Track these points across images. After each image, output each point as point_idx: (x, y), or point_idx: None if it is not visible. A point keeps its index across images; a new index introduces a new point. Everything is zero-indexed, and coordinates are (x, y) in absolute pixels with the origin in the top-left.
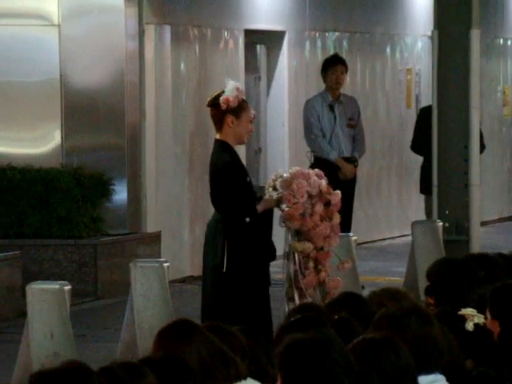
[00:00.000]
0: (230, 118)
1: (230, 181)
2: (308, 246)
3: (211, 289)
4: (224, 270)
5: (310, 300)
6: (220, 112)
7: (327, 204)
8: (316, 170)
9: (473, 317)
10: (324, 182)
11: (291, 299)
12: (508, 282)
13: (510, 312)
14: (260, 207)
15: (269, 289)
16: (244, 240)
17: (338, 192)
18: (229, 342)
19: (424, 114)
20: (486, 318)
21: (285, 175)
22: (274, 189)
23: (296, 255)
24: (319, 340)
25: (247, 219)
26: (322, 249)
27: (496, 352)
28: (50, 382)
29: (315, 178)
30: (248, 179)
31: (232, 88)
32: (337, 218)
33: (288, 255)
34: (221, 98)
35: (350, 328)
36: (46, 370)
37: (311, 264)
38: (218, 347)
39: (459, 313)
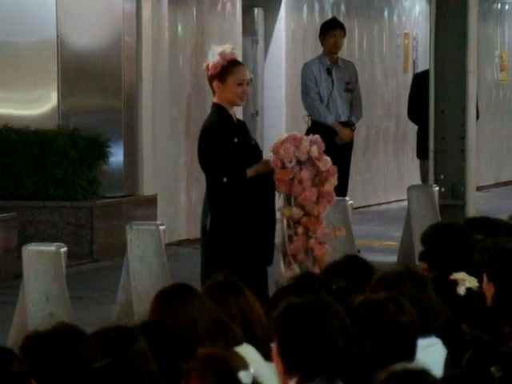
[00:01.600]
0: (215, 83)
1: (212, 141)
2: (296, 212)
3: (202, 249)
4: (207, 229)
5: (296, 266)
6: (208, 77)
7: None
8: (316, 136)
9: (464, 281)
10: (315, 148)
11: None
12: (506, 245)
13: (506, 275)
14: (251, 170)
15: (272, 253)
16: (225, 200)
17: (327, 158)
18: (222, 305)
19: (418, 80)
20: (481, 281)
21: None
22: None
23: (284, 220)
24: (316, 304)
25: (224, 179)
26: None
27: (488, 316)
28: (43, 344)
29: (306, 143)
30: (236, 140)
31: (213, 53)
32: (329, 185)
33: (281, 221)
34: (203, 64)
35: (348, 296)
36: (39, 333)
37: (300, 230)
38: (216, 315)
39: (450, 277)
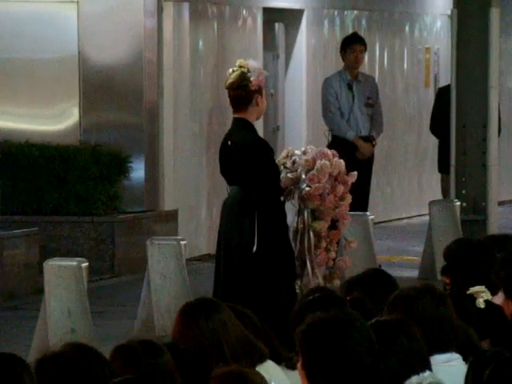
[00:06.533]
0: (258, 98)
1: (269, 158)
2: (323, 225)
3: (238, 268)
4: (254, 249)
5: (320, 278)
6: (249, 92)
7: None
8: (332, 150)
9: (482, 293)
10: (343, 163)
11: (298, 276)
12: None
13: None
14: None
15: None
16: (276, 219)
17: (355, 173)
18: (244, 323)
19: (441, 94)
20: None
21: (296, 152)
22: (285, 167)
23: (311, 234)
24: (341, 319)
25: (282, 198)
26: (334, 228)
27: (509, 328)
28: (57, 367)
29: (336, 158)
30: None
31: (256, 68)
32: (348, 199)
33: (295, 234)
34: (252, 79)
35: (363, 308)
36: (51, 355)
37: (323, 244)
38: (242, 332)
39: (468, 292)
